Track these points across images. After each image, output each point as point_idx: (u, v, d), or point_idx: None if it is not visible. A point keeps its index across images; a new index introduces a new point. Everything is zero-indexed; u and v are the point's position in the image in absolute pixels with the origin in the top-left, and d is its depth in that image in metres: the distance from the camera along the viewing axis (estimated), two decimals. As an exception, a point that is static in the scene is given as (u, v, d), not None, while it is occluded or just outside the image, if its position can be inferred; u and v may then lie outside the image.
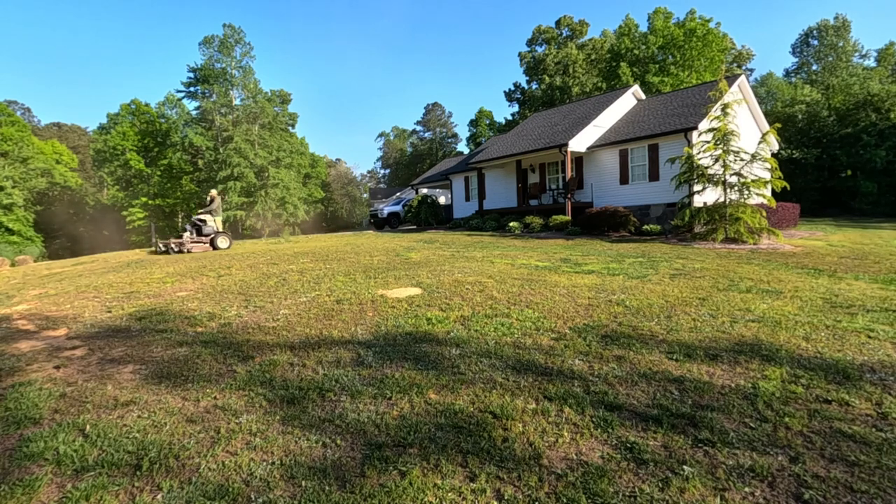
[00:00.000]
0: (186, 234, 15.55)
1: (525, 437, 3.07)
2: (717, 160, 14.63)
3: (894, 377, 3.87)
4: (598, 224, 16.77)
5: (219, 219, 16.29)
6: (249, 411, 3.55)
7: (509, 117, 57.04)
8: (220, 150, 43.93)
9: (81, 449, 3.06)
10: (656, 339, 4.92)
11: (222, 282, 8.82)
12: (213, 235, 15.74)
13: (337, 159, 78.44)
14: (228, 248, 15.67)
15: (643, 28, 42.77)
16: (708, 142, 14.94)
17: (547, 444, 2.99)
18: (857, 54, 46.22)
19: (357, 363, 4.47)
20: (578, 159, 20.25)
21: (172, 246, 14.70)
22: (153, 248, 16.37)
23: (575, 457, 2.85)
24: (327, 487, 2.59)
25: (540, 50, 51.92)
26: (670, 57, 40.13)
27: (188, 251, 14.69)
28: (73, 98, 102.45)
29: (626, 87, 24.62)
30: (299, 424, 3.32)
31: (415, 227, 26.10)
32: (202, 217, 16.06)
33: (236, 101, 46.71)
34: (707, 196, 15.34)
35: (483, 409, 3.49)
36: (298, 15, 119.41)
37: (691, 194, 15.22)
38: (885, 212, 30.77)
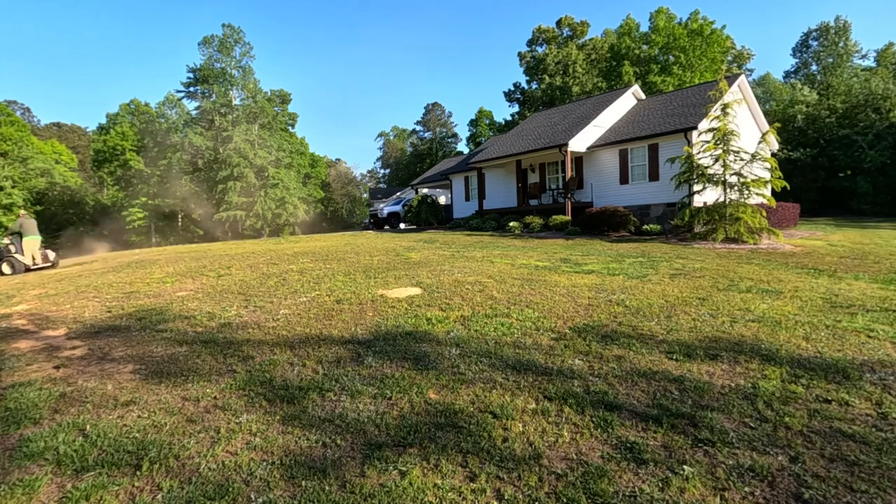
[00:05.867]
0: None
1: (525, 437, 3.07)
2: (716, 160, 14.62)
3: (894, 377, 3.88)
4: (598, 224, 16.77)
5: (29, 239, 14.01)
6: (249, 411, 3.55)
7: (509, 117, 57.02)
8: (220, 150, 43.92)
9: (81, 449, 3.06)
10: (656, 339, 4.92)
11: (222, 282, 8.82)
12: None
13: (337, 159, 78.44)
14: (12, 273, 13.38)
15: (644, 28, 42.82)
16: (708, 141, 14.93)
17: (547, 444, 2.99)
18: (856, 55, 46.22)
19: (357, 363, 4.47)
20: (578, 159, 20.25)
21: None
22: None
23: (575, 457, 2.84)
24: (327, 487, 2.59)
25: (540, 50, 51.89)
26: (671, 57, 40.14)
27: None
28: (73, 98, 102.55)
29: (627, 86, 24.62)
30: (299, 424, 3.32)
31: (415, 226, 26.10)
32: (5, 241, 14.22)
33: (236, 101, 46.70)
34: (707, 196, 15.34)
35: (483, 408, 3.49)
36: (298, 15, 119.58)
37: (691, 194, 15.21)
38: (885, 211, 30.78)
